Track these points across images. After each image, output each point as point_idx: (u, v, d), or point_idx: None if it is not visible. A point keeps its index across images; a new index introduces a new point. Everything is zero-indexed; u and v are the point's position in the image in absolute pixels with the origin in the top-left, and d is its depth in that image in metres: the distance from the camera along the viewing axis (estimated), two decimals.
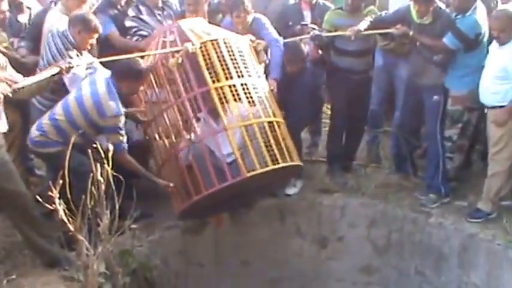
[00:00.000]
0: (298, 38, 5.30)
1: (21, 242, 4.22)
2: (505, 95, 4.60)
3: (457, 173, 5.35)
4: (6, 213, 4.18)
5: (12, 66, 4.12)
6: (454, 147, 5.20)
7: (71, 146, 3.54)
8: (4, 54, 4.27)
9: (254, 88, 4.39)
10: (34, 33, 4.94)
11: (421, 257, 5.25)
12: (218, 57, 4.33)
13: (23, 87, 3.89)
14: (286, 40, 5.13)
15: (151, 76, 4.49)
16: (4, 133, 3.98)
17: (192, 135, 4.38)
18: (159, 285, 4.51)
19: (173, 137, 4.51)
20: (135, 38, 5.24)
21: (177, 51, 4.36)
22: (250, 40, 4.76)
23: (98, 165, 3.45)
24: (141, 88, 4.44)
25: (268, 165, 4.22)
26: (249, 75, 4.42)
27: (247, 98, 4.34)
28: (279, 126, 4.44)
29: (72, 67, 4.11)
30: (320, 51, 5.50)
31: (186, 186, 4.33)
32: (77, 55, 4.44)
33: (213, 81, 4.29)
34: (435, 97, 5.08)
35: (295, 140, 4.73)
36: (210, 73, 4.30)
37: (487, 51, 4.83)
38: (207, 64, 4.32)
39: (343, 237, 5.57)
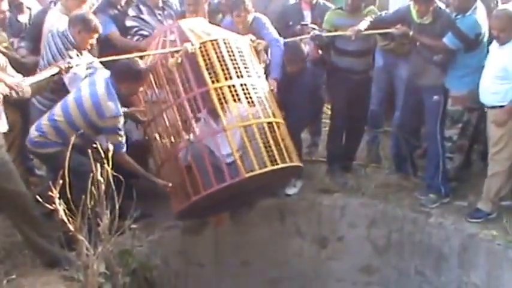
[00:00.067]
0: (298, 38, 5.30)
1: (21, 242, 4.22)
2: (505, 95, 4.60)
3: (457, 173, 5.35)
4: (6, 213, 4.18)
5: (12, 66, 4.13)
6: (454, 147, 5.20)
7: (72, 145, 3.53)
8: (4, 54, 4.27)
9: (254, 88, 4.39)
10: (34, 33, 4.94)
11: (421, 257, 5.25)
12: (218, 57, 4.32)
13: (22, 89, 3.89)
14: (286, 40, 5.13)
15: (151, 76, 4.49)
16: (4, 133, 3.98)
17: (191, 135, 4.38)
18: (159, 285, 4.51)
19: (172, 137, 4.51)
20: (136, 37, 5.24)
21: (177, 51, 4.36)
22: (251, 40, 4.76)
23: (98, 165, 3.45)
24: (141, 89, 4.44)
25: (266, 166, 4.21)
26: (249, 76, 4.41)
27: (247, 98, 4.33)
28: (278, 127, 4.43)
29: (72, 67, 4.11)
30: (320, 51, 5.50)
31: (185, 187, 4.33)
32: (77, 55, 4.44)
33: (213, 82, 4.29)
34: (435, 97, 5.08)
35: (295, 140, 4.73)
36: (209, 73, 4.30)
37: (487, 51, 4.83)
38: (206, 64, 4.31)
39: (343, 237, 5.57)
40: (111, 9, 5.27)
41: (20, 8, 5.29)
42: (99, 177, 3.44)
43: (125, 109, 4.40)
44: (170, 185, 4.36)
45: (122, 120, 4.15)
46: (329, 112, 5.93)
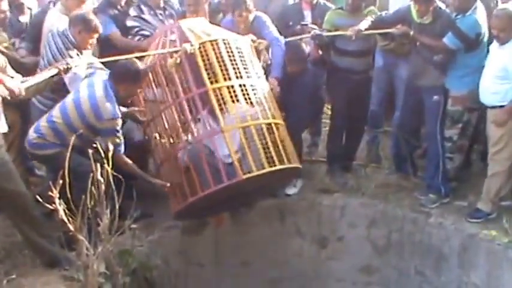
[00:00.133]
0: (299, 37, 5.30)
1: (21, 241, 4.22)
2: (505, 94, 4.60)
3: (457, 173, 5.35)
4: (7, 213, 4.18)
5: (12, 67, 4.12)
6: (454, 148, 5.20)
7: (70, 147, 3.54)
8: (4, 54, 4.27)
9: (253, 89, 4.37)
10: (33, 33, 4.94)
11: (421, 257, 5.25)
12: (217, 58, 4.31)
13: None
14: (287, 39, 5.13)
15: (150, 76, 4.48)
16: (4, 133, 3.98)
17: (190, 136, 4.38)
18: (159, 285, 4.51)
19: (171, 138, 4.51)
20: (137, 37, 5.25)
21: (176, 52, 4.35)
22: (252, 40, 4.75)
23: (98, 165, 3.45)
24: (140, 90, 4.44)
25: (264, 168, 4.20)
26: (248, 77, 4.39)
27: (246, 99, 4.32)
28: (277, 128, 4.40)
29: (70, 68, 4.10)
30: (320, 51, 5.50)
31: (183, 187, 4.33)
32: (77, 54, 4.44)
33: (211, 82, 4.28)
34: (435, 97, 5.08)
35: (295, 141, 4.72)
36: (208, 74, 4.29)
37: (487, 52, 4.84)
38: (205, 65, 4.30)
39: (343, 237, 5.57)
40: (111, 9, 5.27)
41: (20, 8, 5.29)
42: (99, 177, 3.44)
43: (124, 109, 4.41)
44: (168, 185, 4.36)
45: (119, 122, 4.15)
46: (329, 112, 5.93)
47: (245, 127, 4.28)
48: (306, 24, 5.50)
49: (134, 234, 4.39)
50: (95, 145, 3.76)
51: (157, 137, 4.57)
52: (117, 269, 3.89)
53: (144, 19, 5.30)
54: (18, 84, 3.87)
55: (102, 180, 3.45)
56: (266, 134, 4.30)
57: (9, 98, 3.82)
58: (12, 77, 3.97)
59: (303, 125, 5.48)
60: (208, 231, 5.16)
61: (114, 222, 3.58)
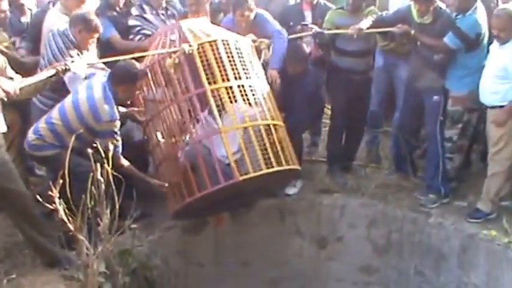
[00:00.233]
0: (300, 35, 5.29)
1: (21, 241, 4.23)
2: (505, 94, 4.61)
3: (457, 173, 5.36)
4: (7, 213, 4.18)
5: (12, 67, 4.12)
6: (454, 148, 5.20)
7: (70, 147, 3.54)
8: (4, 54, 4.27)
9: (252, 90, 4.36)
10: (33, 33, 4.95)
11: (421, 257, 5.25)
12: (215, 58, 4.30)
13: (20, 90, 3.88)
14: (289, 37, 5.13)
15: (149, 76, 4.48)
16: (3, 133, 3.98)
17: (188, 136, 4.38)
18: (159, 285, 4.51)
19: (170, 138, 4.51)
20: (138, 37, 5.25)
21: (174, 52, 4.35)
22: (252, 40, 4.75)
23: (98, 165, 3.46)
24: (138, 92, 4.44)
25: (262, 169, 4.19)
26: (247, 77, 4.38)
27: (244, 100, 4.31)
28: (276, 130, 4.39)
29: (69, 69, 4.10)
30: (320, 51, 5.50)
31: (181, 187, 4.33)
32: (78, 54, 4.45)
33: (210, 83, 4.27)
34: (435, 97, 5.09)
35: (295, 142, 4.71)
36: (206, 74, 4.28)
37: (487, 52, 4.84)
38: (204, 65, 4.29)
39: (343, 237, 5.57)
40: (109, 11, 5.27)
41: (21, 9, 5.30)
42: (99, 177, 3.44)
43: (123, 109, 4.42)
44: (166, 185, 4.37)
45: (118, 124, 4.16)
46: (329, 112, 5.93)
47: (243, 128, 4.27)
48: (307, 25, 5.49)
49: (134, 234, 4.38)
50: (94, 145, 3.76)
51: (156, 137, 4.57)
52: (117, 269, 3.89)
53: (145, 18, 5.31)
54: (14, 84, 3.86)
55: (102, 180, 3.45)
56: (264, 135, 4.29)
57: (5, 99, 3.82)
58: (11, 78, 3.97)
59: (303, 126, 5.46)
60: (208, 231, 5.16)
61: (114, 222, 3.58)
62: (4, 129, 3.98)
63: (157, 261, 4.58)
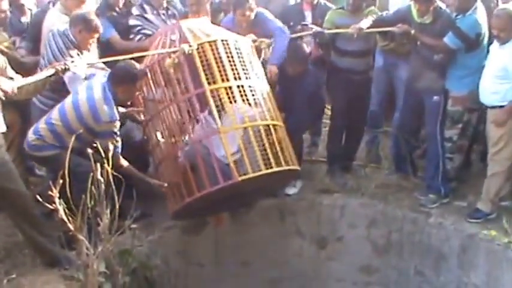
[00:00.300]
0: (300, 34, 5.29)
1: (21, 241, 4.23)
2: (505, 94, 4.61)
3: (457, 173, 5.36)
4: (7, 213, 4.18)
5: (12, 67, 4.12)
6: (454, 148, 5.20)
7: (70, 148, 3.54)
8: (4, 53, 4.27)
9: (251, 90, 4.35)
10: (33, 33, 4.95)
11: (421, 257, 5.25)
12: (215, 58, 4.30)
13: (17, 89, 3.88)
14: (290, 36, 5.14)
15: (149, 76, 4.48)
16: (3, 133, 3.98)
17: (187, 136, 4.38)
18: (159, 285, 4.51)
19: (169, 138, 4.51)
20: (139, 36, 5.25)
21: (174, 52, 4.35)
22: (252, 40, 4.75)
23: (98, 165, 3.46)
24: (139, 92, 4.45)
25: (261, 170, 4.18)
26: (247, 77, 4.37)
27: (244, 100, 4.31)
28: (275, 130, 4.39)
29: (68, 69, 4.11)
30: (320, 50, 5.50)
31: (180, 187, 4.33)
32: (78, 54, 4.45)
33: (209, 83, 4.26)
34: (435, 98, 5.09)
35: (295, 142, 4.71)
36: (206, 75, 4.28)
37: (487, 52, 4.84)
38: (203, 65, 4.28)
39: (343, 237, 5.57)
40: (109, 12, 5.28)
41: (21, 9, 5.30)
42: (99, 177, 3.44)
43: (123, 109, 4.42)
44: (166, 185, 4.37)
45: (118, 124, 4.16)
46: (329, 112, 5.93)
47: (242, 128, 4.26)
48: (307, 25, 5.50)
49: (134, 234, 4.38)
50: (94, 145, 3.76)
51: (156, 137, 4.57)
52: (117, 269, 3.89)
53: (146, 18, 5.31)
54: (11, 83, 3.86)
55: (102, 180, 3.45)
56: (263, 136, 4.29)
57: (3, 98, 3.82)
58: (11, 78, 3.97)
59: (304, 127, 5.46)
60: (208, 231, 5.16)
61: (114, 222, 3.58)
62: (3, 129, 3.98)
63: (157, 261, 4.58)
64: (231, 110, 4.26)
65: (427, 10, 4.95)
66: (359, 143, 5.87)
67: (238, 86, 4.31)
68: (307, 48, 5.19)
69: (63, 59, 4.29)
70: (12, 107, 4.44)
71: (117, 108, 4.19)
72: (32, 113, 4.68)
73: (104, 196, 3.48)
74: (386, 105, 5.94)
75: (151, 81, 4.53)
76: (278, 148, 4.32)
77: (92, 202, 3.43)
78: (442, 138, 5.17)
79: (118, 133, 4.17)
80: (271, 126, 4.37)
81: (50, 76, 4.06)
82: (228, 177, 4.13)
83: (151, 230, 4.80)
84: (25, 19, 5.29)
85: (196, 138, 4.35)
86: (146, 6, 5.35)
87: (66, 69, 4.11)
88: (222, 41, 4.39)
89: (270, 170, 4.21)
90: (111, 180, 3.49)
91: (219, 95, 4.26)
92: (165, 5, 5.41)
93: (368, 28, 5.14)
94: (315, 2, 5.71)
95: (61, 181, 3.29)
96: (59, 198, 3.33)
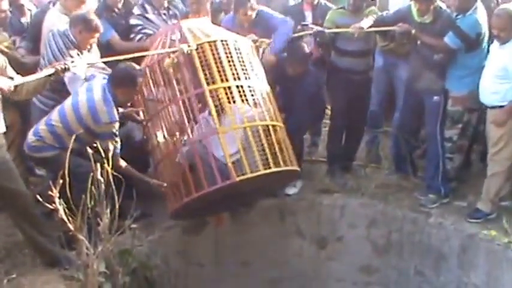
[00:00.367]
0: (300, 34, 5.29)
1: (21, 241, 4.24)
2: (505, 94, 4.61)
3: (457, 173, 5.36)
4: (7, 213, 4.19)
5: (12, 67, 4.12)
6: (454, 148, 5.20)
7: (70, 148, 3.54)
8: (4, 53, 4.27)
9: (250, 91, 4.34)
10: (33, 33, 4.96)
11: (421, 257, 5.25)
12: (215, 58, 4.29)
13: (16, 87, 3.87)
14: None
15: (149, 75, 4.48)
16: (3, 132, 3.98)
17: (186, 136, 4.38)
18: (159, 285, 4.51)
19: (169, 138, 4.51)
20: (139, 36, 5.26)
21: (173, 52, 4.34)
22: (253, 40, 4.75)
23: (98, 165, 3.46)
24: (138, 94, 4.46)
25: (259, 170, 4.17)
26: (246, 78, 4.36)
27: (243, 100, 4.30)
28: (275, 130, 4.38)
29: (68, 69, 4.11)
30: (320, 50, 5.50)
31: (179, 187, 4.33)
32: (78, 54, 4.45)
33: (208, 83, 4.26)
34: (435, 98, 5.09)
35: (295, 143, 4.70)
36: (205, 75, 4.27)
37: (487, 52, 4.84)
38: (202, 66, 4.28)
39: (343, 237, 5.57)
40: (108, 13, 5.28)
41: (21, 9, 5.31)
42: (99, 177, 3.44)
43: (123, 110, 4.42)
44: (165, 185, 4.37)
45: (117, 125, 4.17)
46: (329, 112, 5.93)
47: (242, 128, 4.26)
48: (307, 25, 5.50)
49: (134, 234, 4.38)
50: (94, 145, 3.76)
51: (156, 137, 4.57)
52: (117, 269, 3.89)
53: (147, 18, 5.32)
54: (8, 81, 3.85)
55: (102, 180, 3.45)
56: (262, 136, 4.28)
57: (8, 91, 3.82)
58: (12, 77, 3.96)
59: (304, 127, 5.45)
60: (208, 231, 5.16)
61: (114, 222, 3.58)
62: (3, 129, 3.98)
63: (157, 261, 4.58)
64: (230, 111, 4.25)
65: (427, 10, 4.95)
66: (359, 143, 5.87)
67: (237, 86, 4.30)
68: (307, 48, 5.19)
69: (63, 59, 4.29)
70: (13, 107, 4.44)
71: (117, 109, 4.19)
72: (32, 113, 4.69)
73: (103, 196, 3.48)
74: (386, 105, 5.94)
75: (151, 81, 4.53)
76: (277, 148, 4.31)
77: (92, 202, 3.43)
78: (442, 138, 5.17)
79: (117, 134, 4.17)
80: (270, 127, 4.36)
81: (50, 76, 4.06)
82: (226, 178, 4.13)
83: (151, 230, 4.80)
84: (25, 19, 5.30)
85: (196, 138, 4.35)
86: (147, 6, 5.35)
87: (66, 69, 4.11)
88: (222, 41, 4.37)
89: (268, 171, 4.20)
90: (111, 180, 3.49)
91: (218, 95, 4.25)
92: (166, 5, 5.42)
93: (368, 28, 5.15)
94: (315, 2, 5.72)
95: (61, 181, 3.29)
96: (59, 198, 3.33)
